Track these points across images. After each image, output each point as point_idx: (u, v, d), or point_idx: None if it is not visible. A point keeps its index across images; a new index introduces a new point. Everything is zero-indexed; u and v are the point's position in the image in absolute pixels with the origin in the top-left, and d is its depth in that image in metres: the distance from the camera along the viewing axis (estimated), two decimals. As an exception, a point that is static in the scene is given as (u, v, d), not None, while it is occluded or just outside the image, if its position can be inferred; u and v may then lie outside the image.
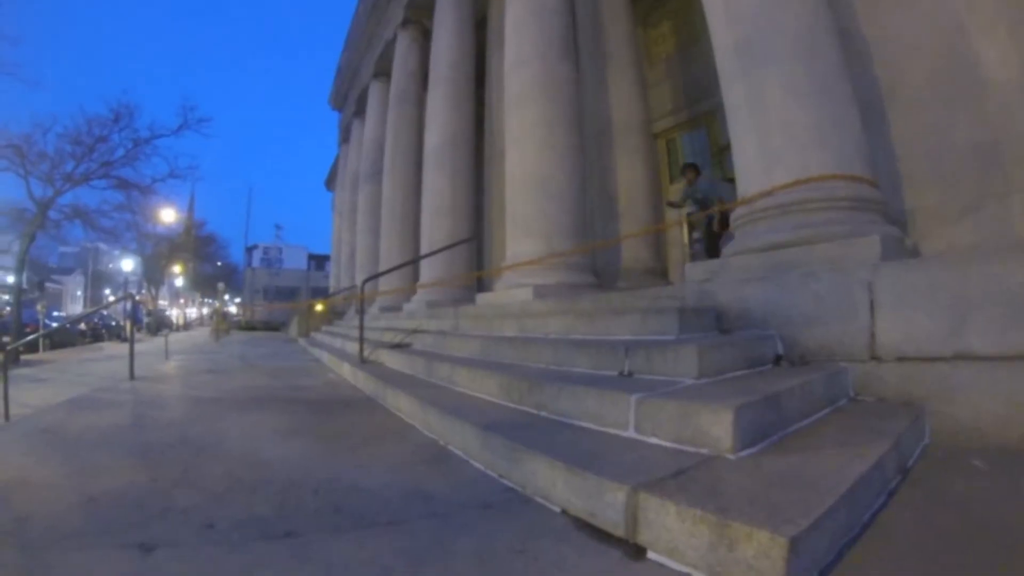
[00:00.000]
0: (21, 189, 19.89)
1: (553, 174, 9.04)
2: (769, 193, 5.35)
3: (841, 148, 5.27)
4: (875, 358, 4.13)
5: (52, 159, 19.77)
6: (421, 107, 17.19)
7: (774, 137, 5.47)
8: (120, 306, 34.48)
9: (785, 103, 5.43)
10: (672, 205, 10.64)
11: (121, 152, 21.28)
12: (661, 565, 2.21)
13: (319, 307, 25.44)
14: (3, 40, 17.73)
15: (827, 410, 3.73)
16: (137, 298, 26.37)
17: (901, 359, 4.01)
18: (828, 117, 5.35)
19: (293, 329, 29.07)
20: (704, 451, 2.86)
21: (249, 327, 44.16)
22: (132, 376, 9.77)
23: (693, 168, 10.18)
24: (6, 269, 52.14)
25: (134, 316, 20.04)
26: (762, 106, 5.59)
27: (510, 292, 8.68)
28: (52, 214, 20.64)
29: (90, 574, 2.36)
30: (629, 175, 11.16)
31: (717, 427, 2.85)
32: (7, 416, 6.12)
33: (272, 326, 42.95)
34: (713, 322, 4.91)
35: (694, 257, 11.04)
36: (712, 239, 9.17)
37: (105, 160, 20.88)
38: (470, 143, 14.34)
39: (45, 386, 9.47)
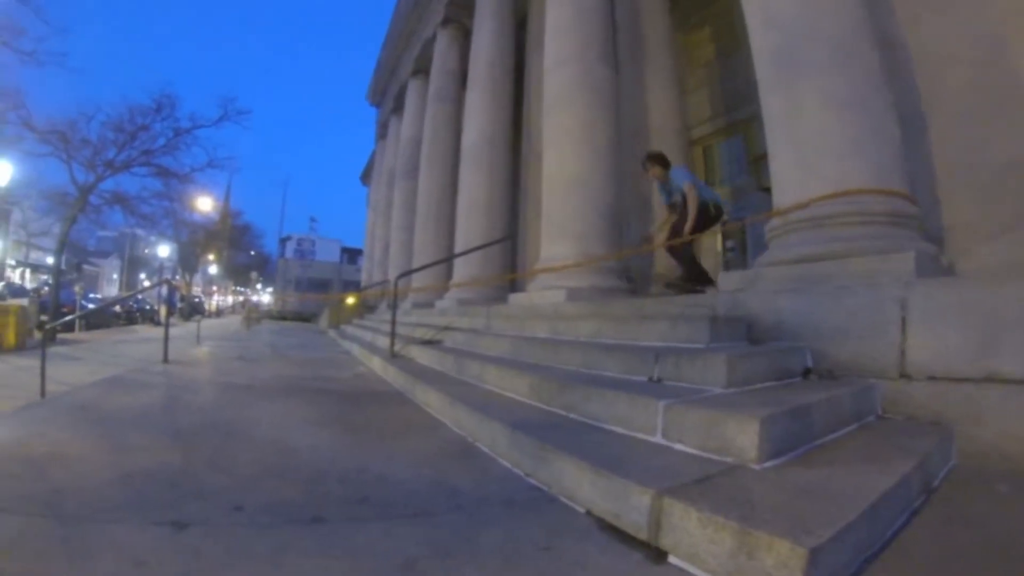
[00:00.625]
0: (64, 174, 20.40)
1: (589, 176, 9.03)
2: (804, 205, 5.29)
3: (879, 161, 5.21)
4: (904, 376, 4.08)
5: (94, 146, 20.20)
6: (459, 106, 17.23)
7: (810, 148, 5.42)
8: (155, 290, 35.07)
9: (822, 113, 5.37)
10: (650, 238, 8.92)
11: (162, 141, 21.70)
12: (682, 570, 2.24)
13: (350, 300, 25.65)
14: (51, 30, 18.25)
15: (854, 426, 3.71)
16: (163, 282, 26.79)
17: (931, 378, 3.96)
18: (866, 129, 5.28)
19: (324, 321, 29.31)
20: (729, 460, 2.88)
21: (280, 317, 44.60)
22: (166, 359, 9.97)
23: (658, 160, 8.05)
24: (46, 250, 53.16)
25: (169, 301, 20.46)
26: (799, 116, 5.53)
27: (543, 293, 8.69)
28: (93, 199, 21.11)
29: (126, 548, 2.45)
30: None
31: (743, 437, 2.87)
32: (43, 393, 6.27)
33: (303, 317, 43.29)
34: (744, 332, 4.91)
35: (727, 265, 10.95)
36: (679, 241, 7.55)
37: (146, 148, 21.29)
38: (507, 143, 14.40)
39: (80, 364, 9.67)
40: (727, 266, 10.91)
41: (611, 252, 8.66)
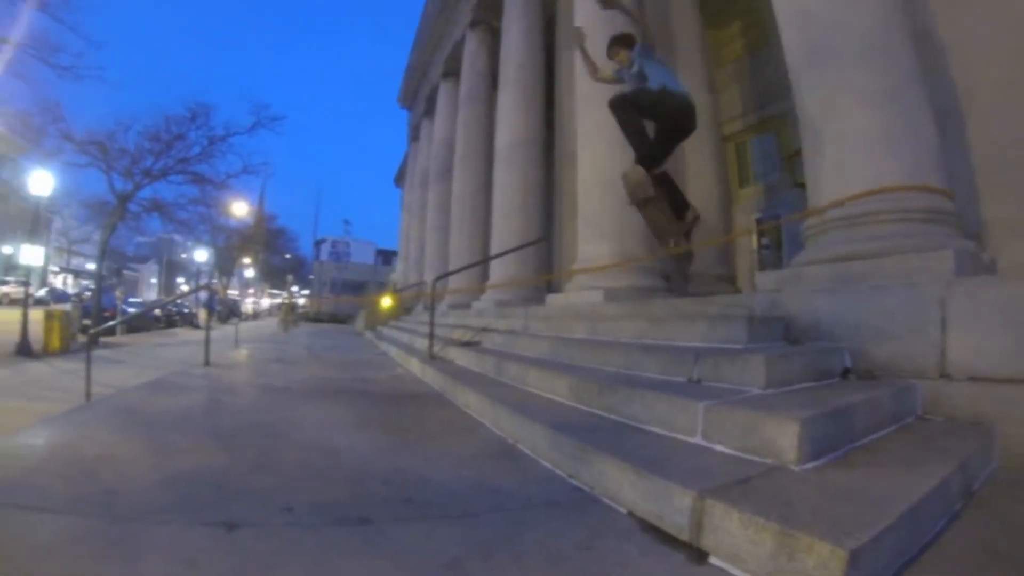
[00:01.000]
0: (103, 183, 21.26)
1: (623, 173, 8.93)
2: (840, 203, 5.26)
3: (915, 157, 5.15)
4: (945, 376, 4.04)
5: (132, 155, 20.99)
6: (491, 107, 17.27)
7: (845, 145, 5.37)
8: (194, 294, 35.66)
9: (856, 109, 5.32)
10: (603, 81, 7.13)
11: (197, 149, 22.47)
12: (722, 570, 2.27)
13: (386, 302, 25.84)
14: (88, 45, 18.85)
15: (893, 427, 3.69)
16: (204, 287, 27.27)
17: (972, 379, 3.92)
18: (901, 124, 5.22)
19: (360, 322, 29.57)
20: (769, 461, 2.91)
21: (316, 319, 45.01)
22: (207, 362, 10.16)
23: (623, 41, 6.45)
24: (86, 256, 54.39)
25: (210, 305, 20.90)
26: (833, 112, 5.50)
27: (580, 294, 8.70)
28: (131, 206, 21.90)
29: (178, 548, 2.56)
30: (698, 178, 11.02)
31: (783, 438, 2.89)
32: (89, 396, 6.44)
33: (339, 319, 43.70)
34: (782, 332, 4.90)
35: (762, 263, 10.88)
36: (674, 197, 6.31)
37: (182, 156, 22.02)
38: (540, 143, 14.41)
39: (123, 367, 9.93)
40: (762, 264, 10.85)
41: (648, 251, 8.61)
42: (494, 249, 13.76)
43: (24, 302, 14.27)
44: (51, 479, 3.60)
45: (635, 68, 6.10)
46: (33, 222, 26.16)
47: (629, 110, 6.03)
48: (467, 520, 2.90)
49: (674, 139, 6.12)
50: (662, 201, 6.12)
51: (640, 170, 5.97)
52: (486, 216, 16.33)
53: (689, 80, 11.37)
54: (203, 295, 30.79)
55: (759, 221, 11.06)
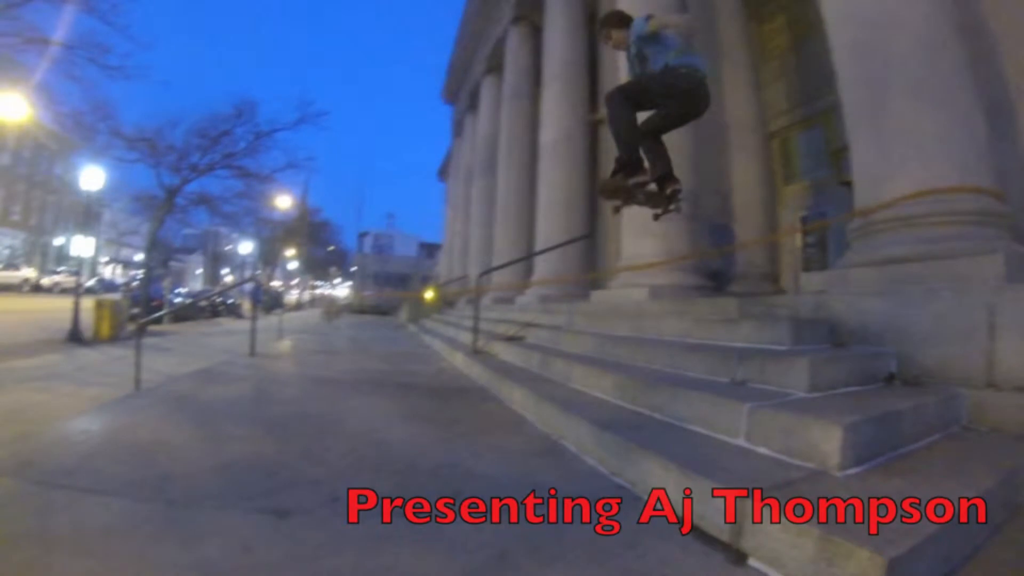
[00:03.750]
0: (152, 178, 22.04)
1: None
2: (887, 205, 5.20)
3: (964, 156, 5.05)
4: (992, 385, 3.97)
5: (179, 151, 21.70)
6: (534, 103, 17.32)
7: (893, 144, 5.29)
8: (239, 285, 36.38)
9: (905, 107, 5.23)
10: None
11: (243, 144, 22.96)
12: (761, 573, 2.32)
13: (429, 295, 26.03)
14: (136, 46, 19.49)
15: (938, 435, 3.64)
16: (251, 279, 27.78)
17: (1019, 388, 3.84)
18: (951, 123, 5.12)
19: (403, 315, 29.80)
20: (811, 465, 2.93)
21: (359, 311, 45.41)
22: (253, 352, 10.37)
23: (616, 22, 5.39)
24: (135, 248, 55.77)
25: (255, 296, 21.30)
26: (881, 110, 5.41)
27: (625, 291, 8.70)
28: (179, 200, 22.55)
29: (232, 533, 2.69)
30: (743, 175, 10.99)
31: (826, 443, 2.91)
32: (139, 384, 6.64)
33: (381, 311, 44.03)
34: (827, 334, 4.87)
35: (807, 262, 10.76)
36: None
37: (228, 152, 22.55)
38: (585, 139, 14.41)
39: (171, 356, 10.16)
40: (806, 263, 10.69)
41: (692, 249, 8.61)
42: (539, 245, 13.80)
43: (76, 291, 14.80)
44: (108, 463, 3.78)
45: (632, 50, 5.08)
46: (85, 215, 27.00)
47: (620, 105, 5.02)
48: (517, 514, 2.98)
49: (678, 125, 5.16)
50: (641, 192, 5.24)
51: (615, 183, 5.14)
52: (530, 212, 16.36)
53: (733, 76, 11.34)
54: (248, 286, 31.34)
55: (804, 220, 10.90)
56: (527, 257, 14.00)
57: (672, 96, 4.88)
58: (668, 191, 5.22)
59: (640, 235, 9.00)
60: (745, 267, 10.41)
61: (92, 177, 16.81)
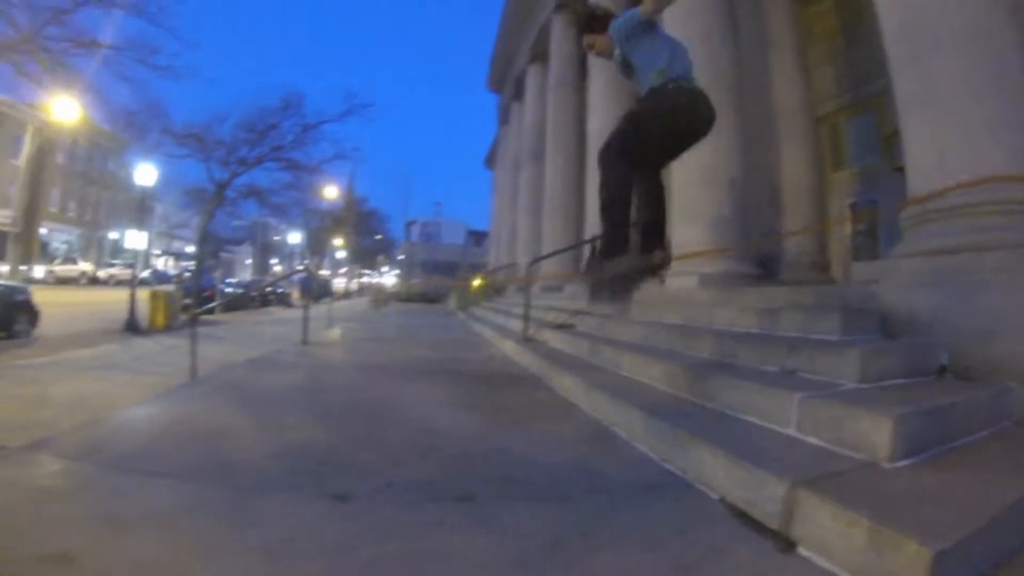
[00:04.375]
0: (202, 172, 22.94)
1: (717, 161, 8.79)
2: (941, 194, 5.03)
3: (1020, 144, 4.84)
4: None
5: (228, 145, 22.36)
6: (580, 91, 17.19)
7: (946, 130, 5.10)
8: (292, 275, 37.16)
9: (958, 93, 5.03)
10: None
11: (291, 137, 23.51)
12: (809, 561, 2.33)
13: (477, 283, 26.16)
14: (185, 45, 20.09)
15: (989, 430, 3.56)
16: (302, 269, 28.35)
17: None
18: (1006, 108, 4.90)
19: (451, 303, 30.02)
20: (861, 456, 2.93)
21: (406, 299, 45.76)
22: (305, 340, 10.57)
23: (591, 25, 4.57)
24: (185, 240, 57.43)
25: (306, 286, 21.73)
26: (933, 96, 5.21)
27: (674, 279, 8.62)
28: (228, 193, 23.19)
29: (294, 516, 2.82)
30: (792, 162, 10.81)
31: (876, 434, 2.91)
32: (195, 373, 6.81)
33: (429, 299, 44.25)
34: (877, 325, 4.81)
35: (857, 251, 10.57)
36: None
37: (276, 145, 23.10)
38: None
39: (224, 344, 10.39)
40: (856, 252, 10.50)
41: (741, 238, 8.53)
42: (588, 233, 13.65)
43: (132, 283, 15.37)
44: (171, 449, 3.94)
45: (617, 57, 4.37)
46: (138, 210, 27.82)
47: (616, 162, 4.10)
48: (566, 500, 3.05)
49: (676, 153, 4.33)
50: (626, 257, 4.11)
51: (597, 264, 4.22)
52: (578, 200, 16.32)
53: (780, 61, 11.16)
54: (298, 276, 31.97)
55: (854, 207, 10.71)
56: (576, 245, 13.83)
57: (662, 126, 4.04)
58: (655, 260, 4.18)
59: (689, 223, 8.90)
60: (794, 256, 10.24)
61: (146, 173, 17.90)
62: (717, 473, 3.08)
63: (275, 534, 2.63)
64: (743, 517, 2.75)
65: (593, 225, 13.28)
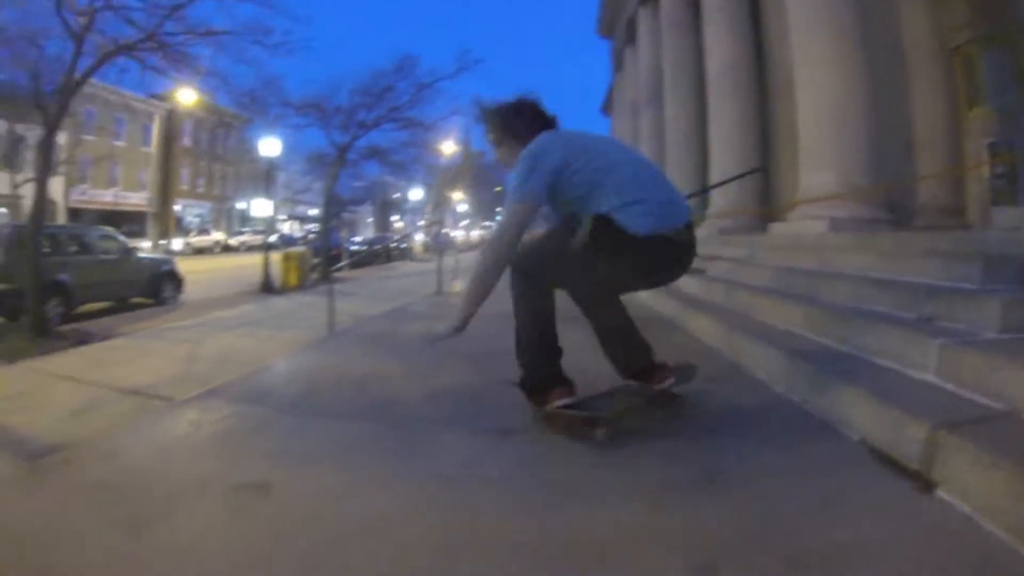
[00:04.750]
0: (322, 139, 24.95)
1: (843, 100, 8.50)
2: None
3: None
4: None
5: (346, 111, 23.35)
6: (695, 31, 16.48)
7: None
8: (413, 231, 38.44)
9: None
10: None
11: (406, 97, 24.20)
12: (947, 503, 2.36)
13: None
14: (296, 21, 21.08)
15: None
16: (431, 224, 29.27)
17: None
18: None
19: (577, 250, 30.16)
20: (1001, 406, 2.87)
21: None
22: (439, 291, 11.02)
23: (507, 124, 3.69)
24: (308, 204, 62.39)
25: (439, 240, 22.50)
26: None
27: (803, 223, 8.46)
28: (350, 155, 24.21)
29: (461, 450, 3.16)
30: (923, 99, 10.21)
31: (1018, 385, 2.84)
32: (333, 326, 7.25)
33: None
34: (1019, 274, 4.50)
35: (995, 194, 9.93)
36: None
37: (393, 106, 23.82)
38: (752, 69, 13.72)
39: (356, 300, 11.03)
40: (995, 195, 9.90)
41: (872, 182, 8.19)
42: (713, 177, 13.47)
43: (264, 248, 16.64)
44: (329, 394, 4.42)
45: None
46: (265, 180, 29.41)
47: (522, 291, 3.64)
48: (714, 436, 3.27)
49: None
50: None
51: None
52: (701, 143, 15.90)
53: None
54: (421, 232, 33.07)
55: (992, 147, 10.09)
56: (703, 191, 13.71)
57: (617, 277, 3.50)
58: (657, 385, 3.72)
59: (817, 168, 8.70)
60: (927, 199, 9.76)
61: (270, 145, 20.08)
62: (857, 415, 3.17)
63: (444, 465, 2.97)
64: (883, 458, 2.82)
65: (719, 169, 13.18)
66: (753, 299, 6.22)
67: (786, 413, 3.63)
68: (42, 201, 11.45)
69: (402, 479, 2.82)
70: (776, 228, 9.57)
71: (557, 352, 3.55)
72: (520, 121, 3.57)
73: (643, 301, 9.07)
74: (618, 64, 31.05)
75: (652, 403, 3.69)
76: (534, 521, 2.36)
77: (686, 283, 8.55)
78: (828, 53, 8.69)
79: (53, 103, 11.79)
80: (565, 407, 3.33)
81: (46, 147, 11.65)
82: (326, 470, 2.94)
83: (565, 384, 3.45)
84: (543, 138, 3.31)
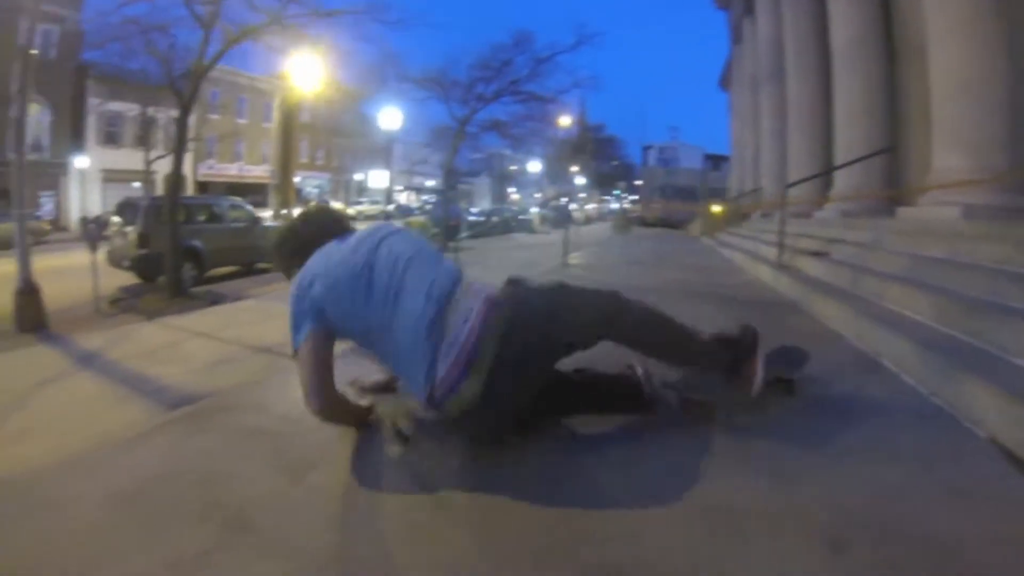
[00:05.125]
0: (442, 112, 25.85)
1: (976, 75, 7.97)
2: None
3: None
4: None
5: (465, 85, 23.76)
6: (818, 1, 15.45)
7: None
8: (542, 201, 39.02)
9: None
10: None
11: (525, 71, 24.51)
12: None
13: (719, 209, 25.86)
14: None
15: None
16: (553, 197, 29.69)
17: None
18: None
19: (695, 229, 29.83)
20: None
21: (647, 224, 45.88)
22: (565, 263, 11.21)
23: (293, 250, 3.19)
24: (424, 176, 65.22)
25: (563, 214, 22.77)
26: None
27: (935, 209, 8.06)
28: (470, 128, 24.68)
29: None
30: None
31: None
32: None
33: (670, 224, 44.02)
34: None
35: None
36: None
37: (512, 79, 24.21)
38: (881, 40, 12.84)
39: (481, 269, 11.33)
40: None
41: (1011, 164, 7.62)
42: (837, 156, 12.93)
43: (384, 216, 17.58)
44: None
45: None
46: (384, 152, 30.41)
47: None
48: (846, 417, 3.32)
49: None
50: None
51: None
52: (824, 120, 15.24)
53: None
54: (550, 204, 33.51)
55: None
56: (827, 172, 13.15)
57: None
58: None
59: (951, 149, 8.24)
60: None
61: (391, 118, 20.72)
62: (988, 412, 3.08)
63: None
64: (1012, 458, 2.76)
65: (844, 148, 12.69)
66: (881, 286, 6.05)
67: (914, 403, 3.61)
68: (179, 174, 12.81)
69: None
70: (904, 213, 9.16)
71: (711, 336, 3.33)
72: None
73: (765, 282, 9.06)
74: (736, 36, 30.12)
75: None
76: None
77: (810, 266, 8.47)
78: (965, 20, 8.16)
79: (186, 87, 12.91)
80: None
81: (181, 126, 12.88)
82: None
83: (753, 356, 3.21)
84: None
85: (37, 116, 36.42)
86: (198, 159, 48.16)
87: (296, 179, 59.34)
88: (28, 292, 8.76)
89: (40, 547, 2.14)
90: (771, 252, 10.18)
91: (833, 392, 3.77)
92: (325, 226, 3.13)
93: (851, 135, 12.77)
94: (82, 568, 1.99)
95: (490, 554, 2.06)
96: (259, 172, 58.18)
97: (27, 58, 9.63)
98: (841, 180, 12.83)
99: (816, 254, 9.04)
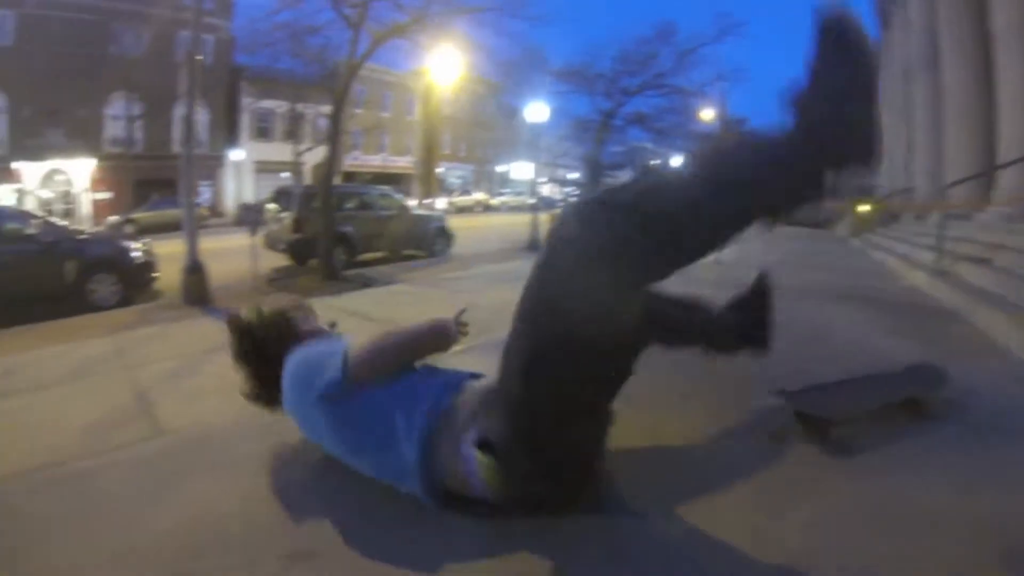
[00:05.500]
0: (587, 105, 27.11)
1: None
2: None
3: None
4: None
5: (608, 78, 23.96)
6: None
7: None
8: None
9: None
10: None
11: (669, 64, 24.54)
12: None
13: (866, 208, 24.90)
14: None
15: None
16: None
17: None
18: None
19: (842, 229, 28.82)
20: None
21: (791, 223, 44.52)
22: (717, 260, 11.25)
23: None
24: (566, 168, 66.29)
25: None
26: None
27: None
28: (616, 121, 24.96)
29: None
30: None
31: None
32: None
33: (815, 223, 42.57)
34: None
35: None
36: None
37: (657, 72, 24.31)
38: None
39: None
40: None
41: None
42: (1001, 153, 12.02)
43: (532, 207, 19.69)
44: None
45: None
46: (529, 144, 31.29)
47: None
48: (1012, 435, 3.27)
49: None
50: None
51: None
52: (986, 114, 13.93)
53: None
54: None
55: None
56: (990, 171, 12.34)
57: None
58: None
59: None
60: None
61: (537, 111, 21.32)
62: None
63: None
64: None
65: (1006, 145, 11.84)
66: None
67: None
68: (332, 164, 14.09)
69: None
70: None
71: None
72: None
73: (922, 290, 8.81)
74: (884, 22, 28.22)
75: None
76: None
77: (971, 273, 8.17)
78: None
79: (335, 85, 14.40)
80: None
81: (335, 120, 14.08)
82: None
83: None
84: None
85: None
86: (344, 150, 51.38)
87: (439, 169, 62.43)
88: (195, 270, 9.93)
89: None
90: (927, 256, 9.87)
91: (1001, 406, 3.74)
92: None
93: (1017, 131, 11.78)
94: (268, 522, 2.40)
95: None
96: (403, 163, 62.42)
97: (193, 64, 10.60)
98: (1005, 179, 11.88)
99: (978, 260, 8.68)
